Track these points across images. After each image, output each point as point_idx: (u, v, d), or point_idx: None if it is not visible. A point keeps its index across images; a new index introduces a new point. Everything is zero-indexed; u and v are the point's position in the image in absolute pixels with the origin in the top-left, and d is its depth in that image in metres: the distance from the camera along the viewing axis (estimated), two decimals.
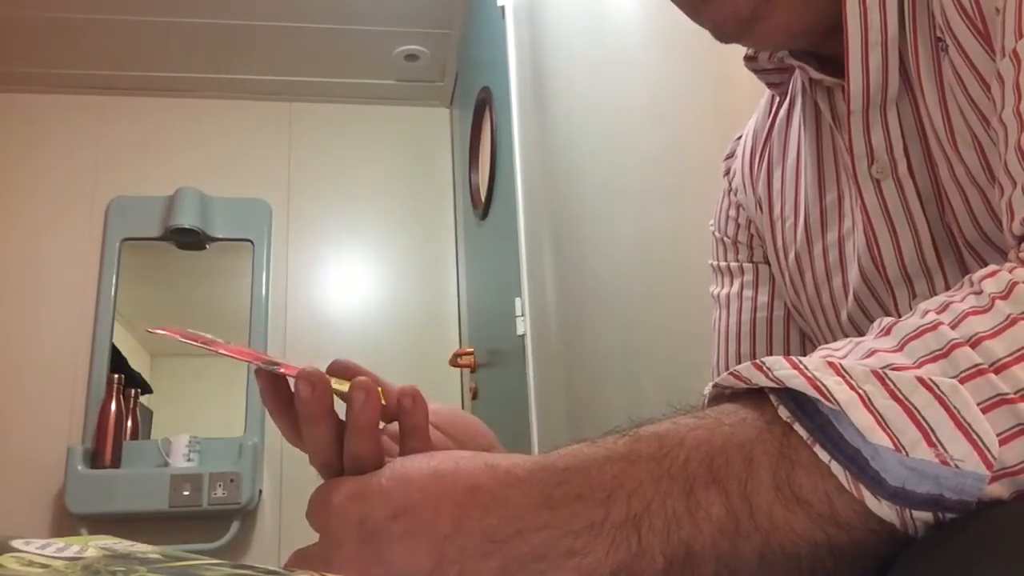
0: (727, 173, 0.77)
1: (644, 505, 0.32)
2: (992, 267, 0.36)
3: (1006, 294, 0.34)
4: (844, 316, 0.62)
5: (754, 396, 0.35)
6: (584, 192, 1.61)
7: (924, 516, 0.31)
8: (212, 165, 3.07)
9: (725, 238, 0.76)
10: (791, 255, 0.67)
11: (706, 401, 0.38)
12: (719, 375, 0.73)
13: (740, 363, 0.72)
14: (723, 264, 0.76)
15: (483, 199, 2.53)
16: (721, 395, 0.37)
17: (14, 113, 3.02)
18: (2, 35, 2.77)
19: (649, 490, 0.33)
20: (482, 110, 2.58)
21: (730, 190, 0.76)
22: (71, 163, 3.00)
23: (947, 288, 0.53)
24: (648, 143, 1.36)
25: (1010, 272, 0.35)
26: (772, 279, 0.72)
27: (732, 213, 0.76)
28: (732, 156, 0.77)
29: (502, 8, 2.20)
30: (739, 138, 0.77)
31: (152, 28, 2.80)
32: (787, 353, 0.68)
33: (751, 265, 0.74)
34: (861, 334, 0.37)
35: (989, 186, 0.48)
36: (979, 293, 0.35)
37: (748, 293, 0.73)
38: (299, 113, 3.22)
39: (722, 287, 0.76)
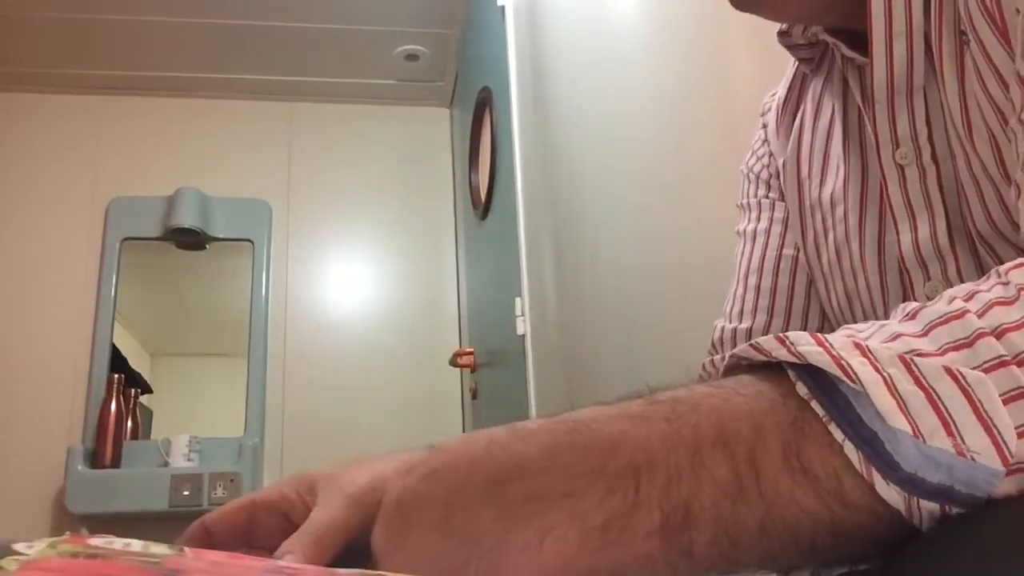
0: (764, 123, 0.77)
1: (647, 458, 0.32)
2: (1020, 259, 0.36)
3: None
4: (862, 282, 0.62)
5: (771, 370, 0.35)
6: (584, 192, 1.61)
7: (931, 507, 0.31)
8: (212, 165, 3.07)
9: (758, 176, 0.76)
10: (818, 215, 0.67)
11: (722, 370, 0.38)
12: (734, 307, 0.72)
13: (760, 297, 0.73)
14: (752, 200, 0.76)
15: (483, 199, 2.53)
16: (738, 365, 0.37)
17: (14, 113, 3.02)
18: (2, 35, 2.77)
19: (655, 445, 0.33)
20: (482, 110, 2.58)
21: (765, 138, 0.77)
22: (71, 163, 3.00)
23: (959, 273, 0.54)
24: (648, 143, 1.36)
25: None
26: None
27: (765, 161, 0.76)
28: (768, 111, 0.78)
29: (502, 8, 2.20)
30: (774, 94, 0.77)
31: (152, 28, 2.80)
32: (809, 295, 0.69)
33: (782, 203, 0.73)
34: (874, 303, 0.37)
35: (1003, 182, 0.49)
36: (1006, 284, 0.35)
37: (777, 229, 0.72)
38: (299, 113, 3.22)
39: (749, 223, 0.75)
